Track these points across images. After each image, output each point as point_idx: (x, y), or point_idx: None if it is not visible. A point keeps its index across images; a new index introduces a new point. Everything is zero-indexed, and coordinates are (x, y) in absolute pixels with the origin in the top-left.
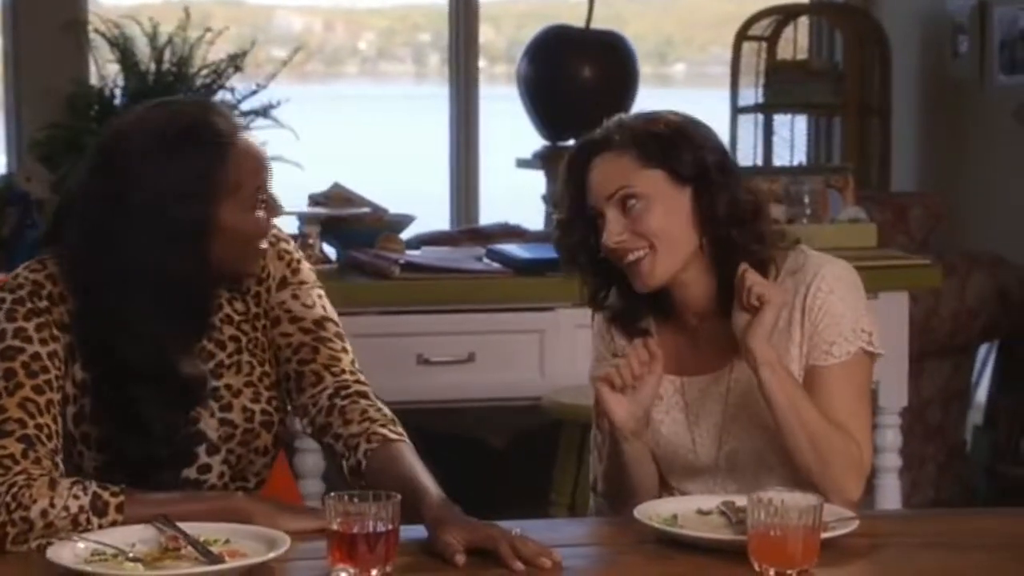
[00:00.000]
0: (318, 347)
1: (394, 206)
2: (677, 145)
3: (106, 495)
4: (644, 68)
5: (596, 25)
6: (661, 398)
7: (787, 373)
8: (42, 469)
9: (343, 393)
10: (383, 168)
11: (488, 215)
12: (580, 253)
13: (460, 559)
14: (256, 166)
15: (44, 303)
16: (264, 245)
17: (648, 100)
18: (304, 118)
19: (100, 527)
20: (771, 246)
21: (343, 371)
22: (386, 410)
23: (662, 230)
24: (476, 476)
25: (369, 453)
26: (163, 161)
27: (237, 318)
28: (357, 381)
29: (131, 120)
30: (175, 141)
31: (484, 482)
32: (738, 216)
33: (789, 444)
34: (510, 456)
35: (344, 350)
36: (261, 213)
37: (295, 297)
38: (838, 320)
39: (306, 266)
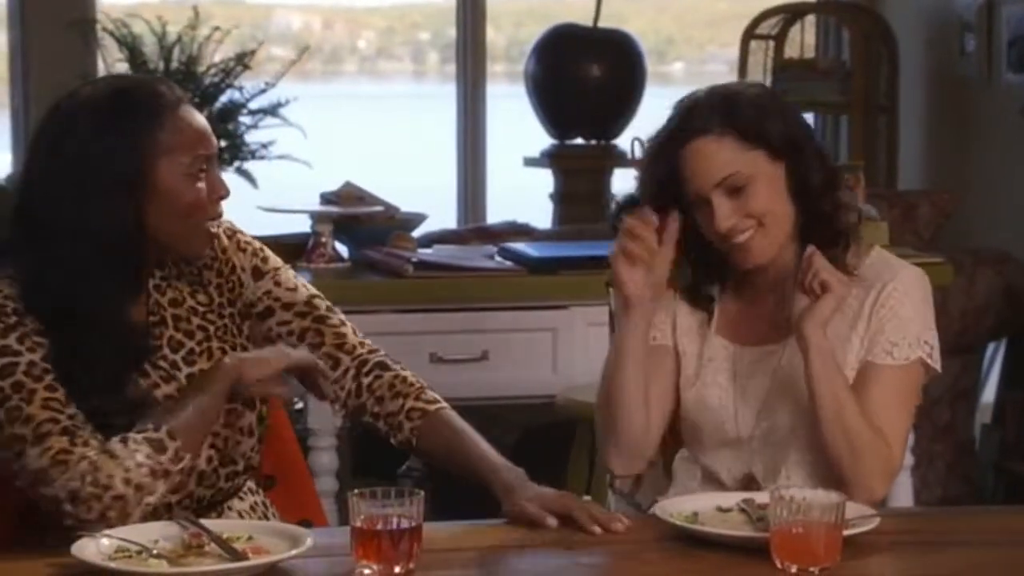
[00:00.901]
0: (321, 328)
1: (400, 205)
2: (768, 121)
3: (154, 434)
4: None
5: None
6: (710, 359)
7: (835, 365)
8: (94, 448)
9: (364, 370)
10: (387, 166)
11: (494, 214)
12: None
13: (552, 521)
14: (195, 136)
15: (13, 319)
16: (212, 228)
17: (648, 99)
18: (308, 116)
19: (171, 461)
20: (852, 213)
21: (354, 347)
22: (409, 375)
23: (769, 208)
24: None
25: (416, 432)
26: (102, 118)
27: (202, 309)
28: (370, 351)
29: (79, 87)
30: (116, 101)
31: None
32: (828, 183)
33: (825, 434)
34: (522, 454)
35: (342, 322)
36: (201, 184)
37: (277, 284)
38: (906, 324)
39: (269, 252)
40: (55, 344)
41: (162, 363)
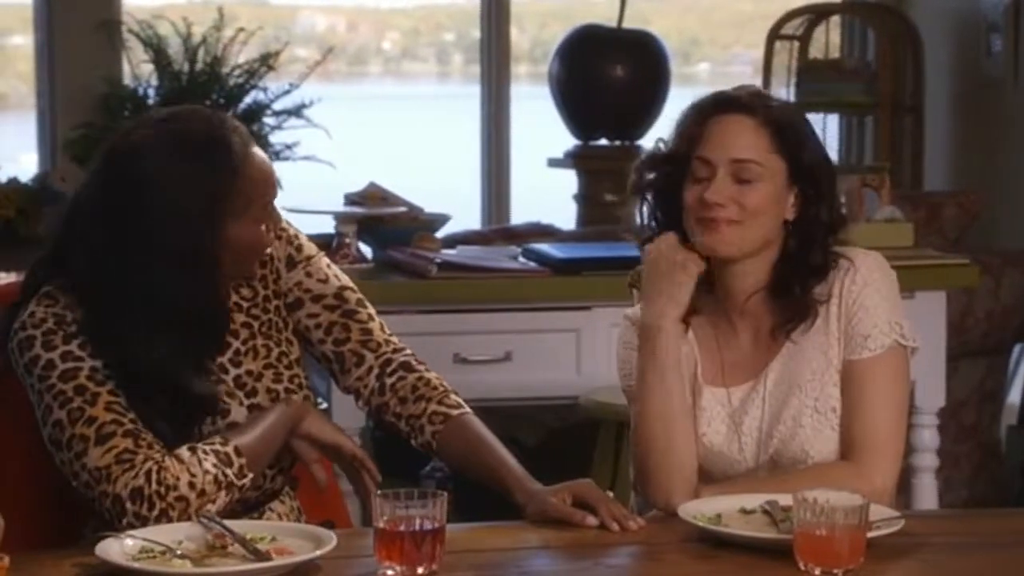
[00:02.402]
0: (348, 324)
1: (424, 205)
2: (806, 143)
3: (221, 448)
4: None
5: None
6: (704, 409)
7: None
8: (159, 452)
9: (388, 370)
10: (412, 167)
11: (518, 214)
12: (655, 184)
13: (592, 520)
14: (265, 182)
15: (73, 328)
16: (268, 251)
17: (673, 100)
18: (332, 117)
19: (236, 476)
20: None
21: (379, 344)
22: (433, 377)
23: (761, 211)
24: None
25: (437, 436)
26: (170, 188)
27: (246, 304)
28: (395, 350)
29: (144, 135)
30: (189, 159)
31: None
32: (830, 225)
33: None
34: (546, 455)
35: (371, 317)
36: (265, 225)
37: (308, 275)
38: (872, 313)
39: (305, 238)
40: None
41: (211, 366)
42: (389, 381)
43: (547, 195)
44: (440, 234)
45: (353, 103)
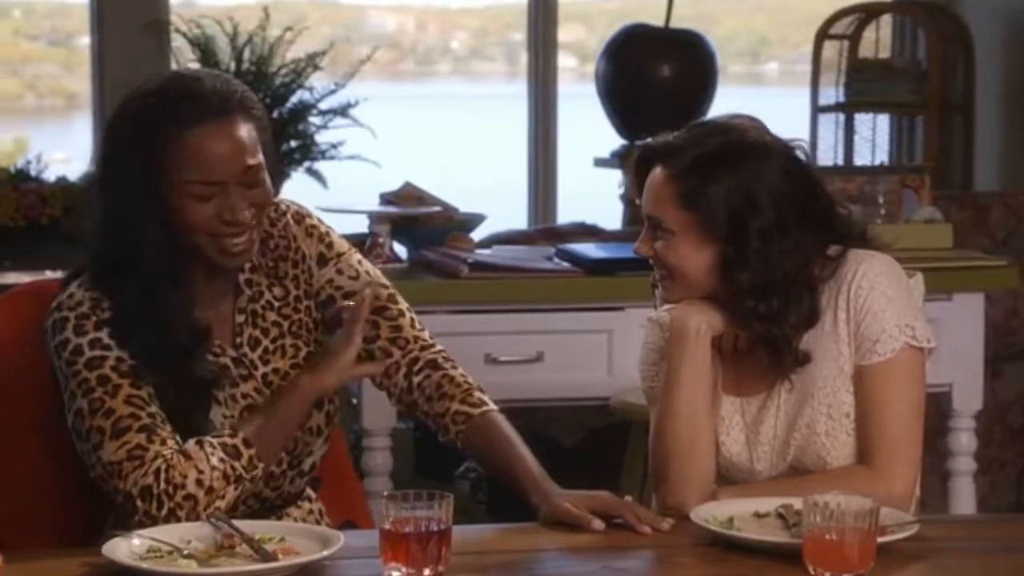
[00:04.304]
0: (377, 320)
1: (475, 205)
2: (720, 202)
3: (229, 440)
4: (736, 66)
5: (684, 24)
6: (723, 418)
7: None
8: (170, 448)
9: (415, 368)
10: (467, 167)
11: (565, 214)
12: None
13: (599, 524)
14: (203, 160)
15: (107, 314)
16: (236, 240)
17: (732, 100)
18: (394, 117)
19: (245, 469)
20: (808, 305)
21: (407, 342)
22: (458, 375)
23: (680, 268)
24: (549, 475)
25: (460, 436)
26: (126, 144)
27: (277, 303)
28: (423, 347)
29: (129, 98)
30: (154, 108)
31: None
32: (763, 287)
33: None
34: (584, 455)
35: (401, 313)
36: (211, 203)
37: (339, 272)
38: (881, 316)
39: (336, 235)
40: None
41: (243, 360)
42: (416, 380)
43: (594, 195)
44: (485, 233)
45: (422, 102)
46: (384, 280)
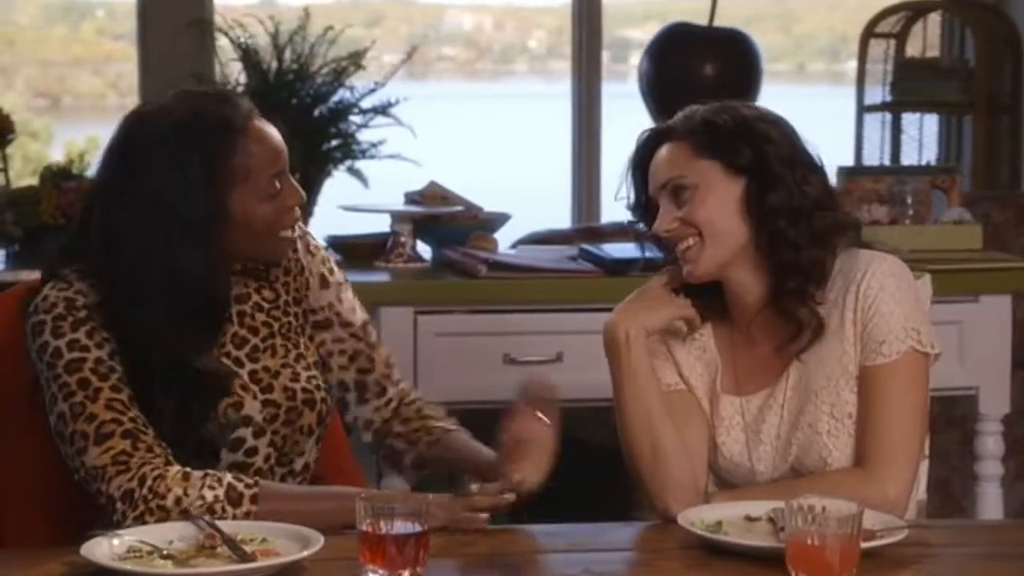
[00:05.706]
0: (372, 356)
1: (522, 205)
2: (736, 136)
3: (240, 486)
4: (816, 65)
5: (764, 23)
6: (722, 419)
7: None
8: (157, 456)
9: (405, 401)
10: (519, 166)
11: (610, 213)
12: (649, 240)
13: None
14: (268, 156)
15: (83, 313)
16: (288, 234)
17: (825, 99)
18: (472, 116)
19: (235, 517)
20: (829, 248)
21: (397, 381)
22: (434, 406)
23: (709, 220)
24: (576, 475)
25: (429, 443)
26: (170, 152)
27: (267, 306)
28: (399, 384)
29: (149, 110)
30: (184, 132)
31: (584, 481)
32: (793, 210)
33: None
34: (609, 454)
35: (388, 355)
36: (277, 201)
37: (340, 300)
38: (887, 318)
39: (334, 263)
40: (125, 360)
41: (226, 360)
42: (400, 409)
43: None
44: (520, 233)
45: (498, 101)
46: (364, 314)
